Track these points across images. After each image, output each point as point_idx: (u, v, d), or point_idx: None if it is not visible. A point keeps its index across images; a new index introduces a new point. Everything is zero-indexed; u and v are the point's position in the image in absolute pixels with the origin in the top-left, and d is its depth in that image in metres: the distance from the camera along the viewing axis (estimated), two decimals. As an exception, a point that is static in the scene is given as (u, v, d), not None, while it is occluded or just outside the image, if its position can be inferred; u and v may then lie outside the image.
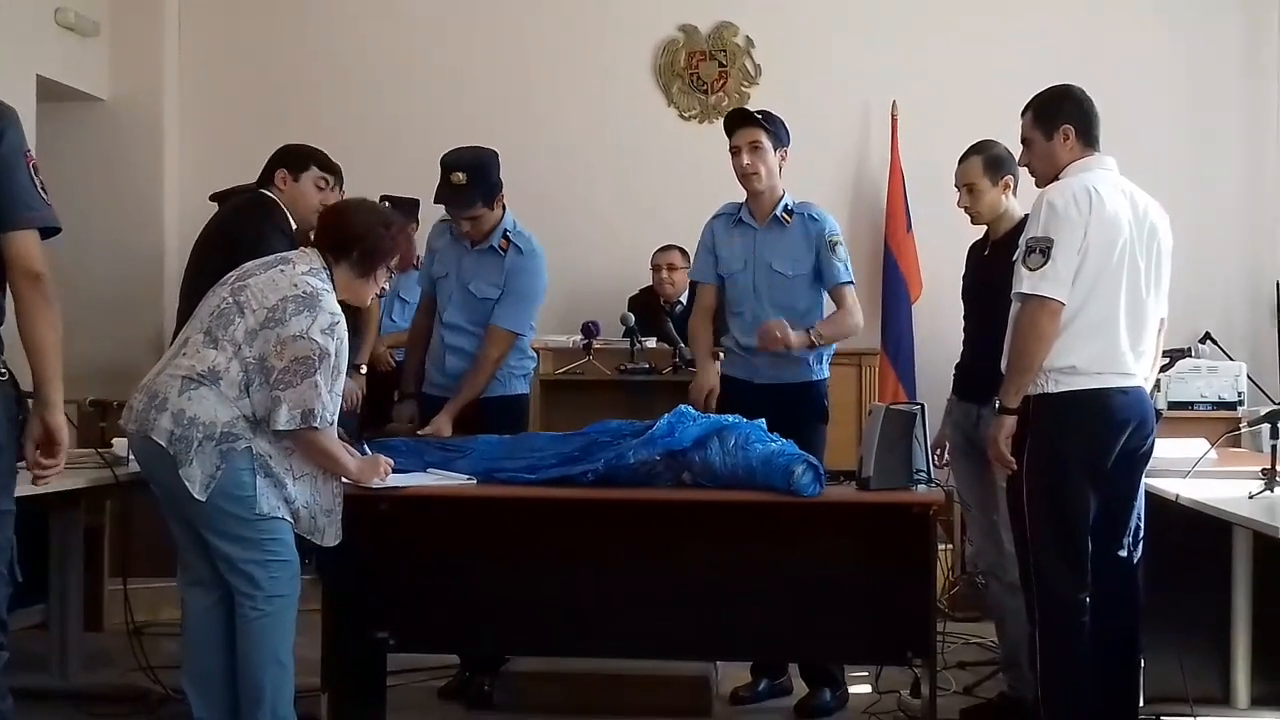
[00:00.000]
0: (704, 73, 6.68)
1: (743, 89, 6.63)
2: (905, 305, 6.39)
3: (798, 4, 6.63)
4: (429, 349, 4.48)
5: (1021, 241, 3.47)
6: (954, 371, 4.25)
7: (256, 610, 3.31)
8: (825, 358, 4.31)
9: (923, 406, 3.66)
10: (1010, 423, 3.45)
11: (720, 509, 3.54)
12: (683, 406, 3.69)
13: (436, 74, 6.71)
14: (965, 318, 4.21)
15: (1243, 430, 4.40)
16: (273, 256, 3.52)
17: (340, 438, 3.46)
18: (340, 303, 3.41)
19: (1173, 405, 4.96)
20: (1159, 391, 4.78)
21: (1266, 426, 3.65)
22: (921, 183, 6.24)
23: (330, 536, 3.42)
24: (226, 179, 4.28)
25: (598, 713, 4.07)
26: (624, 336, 5.26)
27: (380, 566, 3.60)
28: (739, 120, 4.28)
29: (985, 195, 4.07)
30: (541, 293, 4.45)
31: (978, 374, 3.93)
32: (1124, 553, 3.55)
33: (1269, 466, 3.57)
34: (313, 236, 3.68)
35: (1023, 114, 3.66)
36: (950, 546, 5.51)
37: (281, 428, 3.24)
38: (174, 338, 3.59)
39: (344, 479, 3.44)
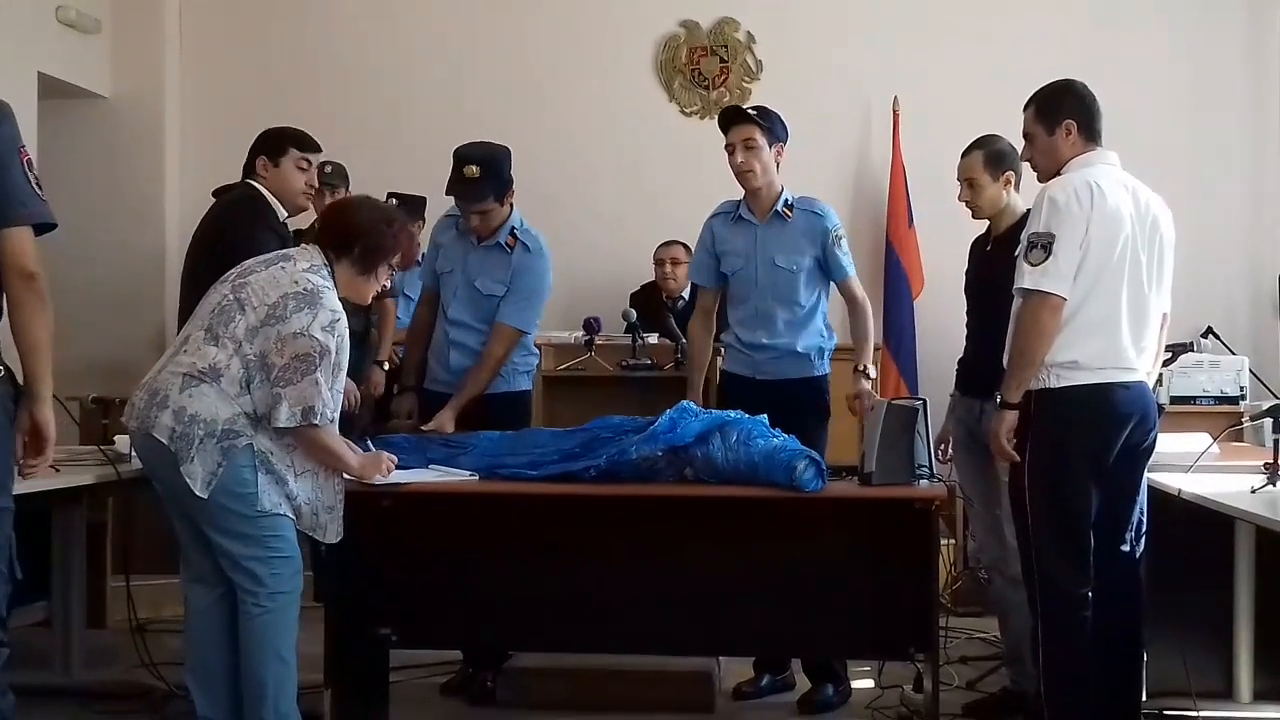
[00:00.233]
0: (705, 68, 6.67)
1: (744, 85, 6.62)
2: (907, 301, 6.39)
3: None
4: (432, 344, 4.48)
5: (1023, 237, 3.46)
6: (956, 366, 4.25)
7: (259, 607, 3.31)
8: (826, 354, 4.31)
9: (924, 402, 3.65)
10: (1011, 418, 3.45)
11: (722, 505, 3.53)
12: (684, 402, 3.69)
13: (437, 70, 6.70)
14: (967, 313, 4.21)
15: (1245, 425, 4.41)
16: (274, 253, 3.51)
17: (354, 431, 3.44)
18: (343, 300, 3.42)
19: (1175, 400, 4.95)
20: (1161, 386, 4.76)
21: (1269, 421, 3.66)
22: (923, 178, 6.23)
23: (332, 533, 3.42)
24: (228, 176, 4.27)
25: (600, 708, 4.08)
26: (626, 332, 5.27)
27: (383, 563, 3.59)
28: (733, 118, 4.27)
29: (986, 190, 4.06)
30: (547, 291, 4.45)
31: (980, 369, 3.93)
32: (1126, 547, 3.55)
33: (1271, 461, 3.56)
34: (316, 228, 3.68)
35: (1025, 109, 3.66)
36: (953, 541, 5.51)
37: (282, 424, 3.25)
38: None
39: (346, 475, 3.45)
